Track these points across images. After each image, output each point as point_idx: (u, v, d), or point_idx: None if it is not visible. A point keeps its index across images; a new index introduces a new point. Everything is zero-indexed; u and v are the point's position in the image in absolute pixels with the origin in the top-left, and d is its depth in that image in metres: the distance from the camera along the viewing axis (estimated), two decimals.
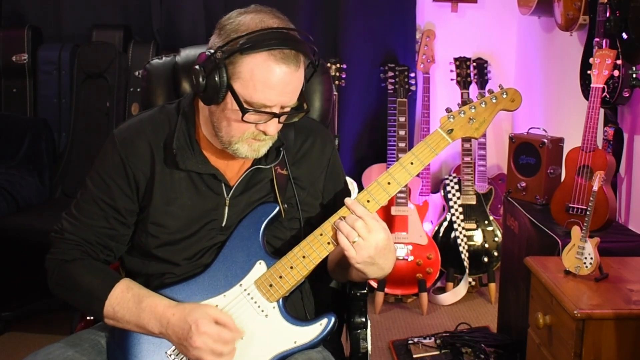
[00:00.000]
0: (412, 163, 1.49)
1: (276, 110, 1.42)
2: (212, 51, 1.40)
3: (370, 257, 1.43)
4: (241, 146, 1.46)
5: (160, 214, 1.51)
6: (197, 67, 1.41)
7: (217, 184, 1.53)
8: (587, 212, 2.03)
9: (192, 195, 1.52)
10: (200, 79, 1.40)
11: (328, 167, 1.65)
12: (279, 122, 1.45)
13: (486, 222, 3.63)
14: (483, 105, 1.52)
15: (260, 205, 1.54)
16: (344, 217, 1.45)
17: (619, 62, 2.37)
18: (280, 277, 1.48)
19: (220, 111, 1.44)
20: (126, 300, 1.46)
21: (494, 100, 1.52)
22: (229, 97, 1.41)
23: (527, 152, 2.75)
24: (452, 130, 1.51)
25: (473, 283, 3.66)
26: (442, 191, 3.67)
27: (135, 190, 1.53)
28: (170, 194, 1.52)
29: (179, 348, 1.45)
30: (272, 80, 1.38)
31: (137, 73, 3.64)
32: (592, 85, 2.36)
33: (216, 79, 1.39)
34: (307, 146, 1.62)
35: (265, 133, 1.44)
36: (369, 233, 1.42)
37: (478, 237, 3.62)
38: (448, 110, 1.53)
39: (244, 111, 1.39)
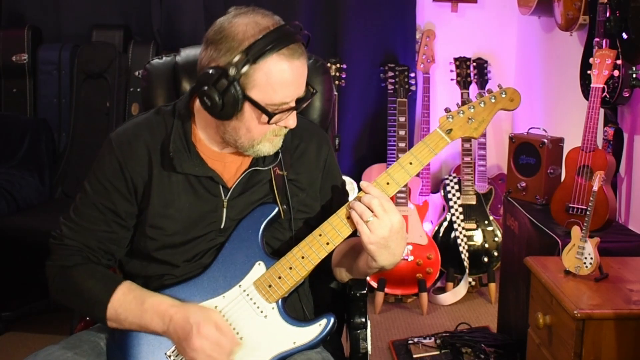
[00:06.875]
0: (411, 163, 1.49)
1: (293, 103, 1.45)
2: (215, 68, 1.39)
3: (384, 238, 1.41)
4: (263, 146, 1.48)
5: (159, 216, 1.51)
6: (206, 88, 1.39)
7: (215, 186, 1.53)
8: (587, 212, 2.03)
9: (190, 198, 1.52)
10: (217, 99, 1.39)
11: (325, 168, 1.64)
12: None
13: (486, 222, 3.62)
14: (482, 105, 1.52)
15: (259, 206, 1.54)
16: (360, 198, 1.45)
17: (619, 62, 2.37)
18: (280, 277, 1.47)
19: (237, 122, 1.44)
20: (128, 301, 1.46)
21: (492, 100, 1.52)
22: (246, 107, 1.41)
23: (527, 152, 2.75)
24: (451, 130, 1.51)
25: (473, 283, 3.66)
26: (442, 191, 3.67)
27: (133, 193, 1.52)
28: (168, 197, 1.51)
29: (178, 348, 1.45)
30: (288, 79, 1.40)
31: (137, 73, 3.64)
32: (592, 85, 2.36)
33: (233, 95, 1.38)
34: (304, 147, 1.62)
35: (286, 127, 1.47)
36: (385, 213, 1.42)
37: (478, 237, 3.61)
38: (447, 110, 1.53)
39: (270, 116, 1.41)
